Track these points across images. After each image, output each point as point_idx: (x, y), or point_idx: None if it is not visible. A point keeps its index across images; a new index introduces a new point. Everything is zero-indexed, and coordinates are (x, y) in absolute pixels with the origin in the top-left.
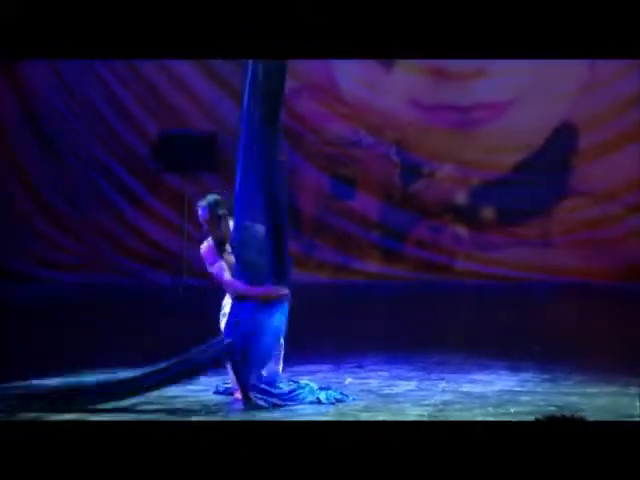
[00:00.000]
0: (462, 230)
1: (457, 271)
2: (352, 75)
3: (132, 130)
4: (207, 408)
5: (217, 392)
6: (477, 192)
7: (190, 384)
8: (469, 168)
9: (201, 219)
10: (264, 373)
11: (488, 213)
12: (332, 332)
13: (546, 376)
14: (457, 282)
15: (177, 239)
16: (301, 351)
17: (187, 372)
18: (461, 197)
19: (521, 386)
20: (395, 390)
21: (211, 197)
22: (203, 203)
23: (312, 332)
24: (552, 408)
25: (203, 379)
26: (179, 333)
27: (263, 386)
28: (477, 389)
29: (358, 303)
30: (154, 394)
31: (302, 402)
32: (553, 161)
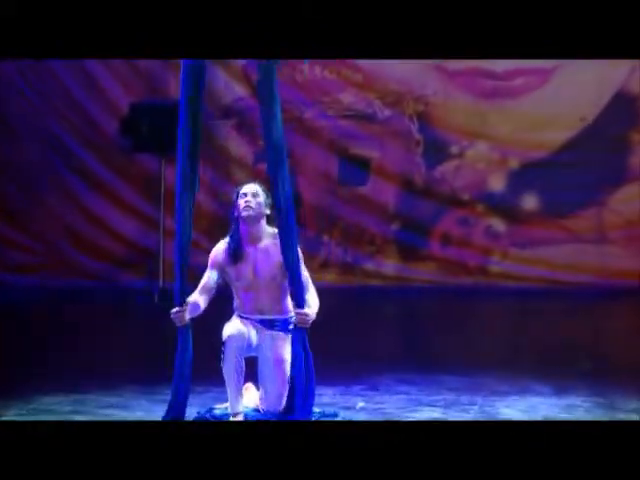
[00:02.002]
0: (498, 223)
1: (492, 273)
2: None
3: (98, 102)
4: None
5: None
6: (517, 176)
7: None
8: (507, 147)
9: (247, 205)
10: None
11: (530, 202)
12: (340, 346)
13: (600, 399)
14: (492, 286)
15: (152, 234)
16: None
17: None
18: (497, 183)
19: (569, 412)
20: (417, 417)
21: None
22: (259, 188)
23: (316, 346)
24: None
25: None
26: (150, 347)
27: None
28: (516, 416)
29: (371, 311)
30: None
31: None
32: (609, 139)
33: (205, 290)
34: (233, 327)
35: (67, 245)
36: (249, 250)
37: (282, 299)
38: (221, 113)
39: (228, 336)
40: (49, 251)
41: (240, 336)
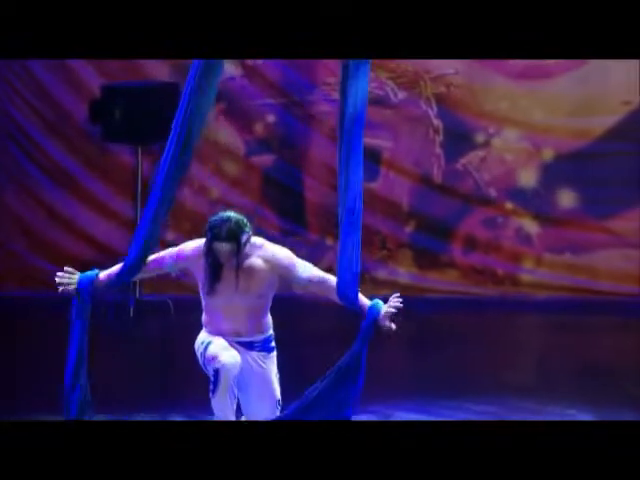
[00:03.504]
0: (530, 224)
1: (523, 282)
2: None
3: (65, 83)
4: None
5: None
6: (552, 170)
7: None
8: (540, 135)
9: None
10: None
11: (567, 200)
12: None
13: None
14: (523, 297)
15: (128, 237)
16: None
17: None
18: (529, 177)
19: None
20: None
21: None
22: (233, 242)
23: (319, 367)
24: None
25: None
26: (127, 367)
27: None
28: None
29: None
30: None
31: None
32: None
33: (149, 265)
34: (224, 352)
35: (27, 250)
36: (229, 272)
37: (262, 317)
38: None
39: (223, 364)
40: (7, 257)
41: (236, 363)
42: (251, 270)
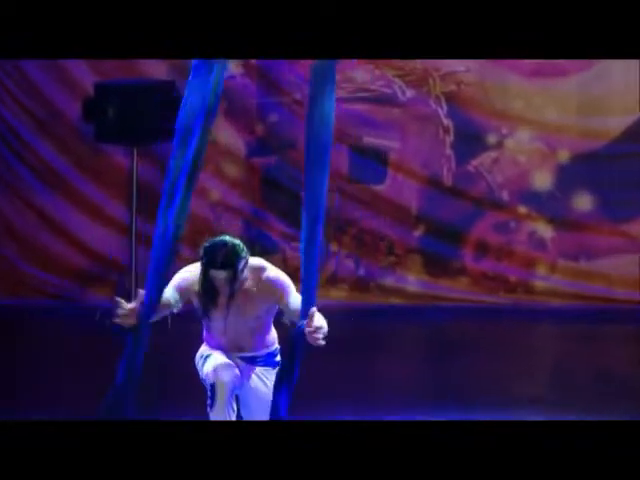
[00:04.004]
0: (544, 228)
1: (537, 289)
2: None
3: (57, 81)
4: None
5: None
6: (567, 171)
7: None
8: (555, 136)
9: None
10: None
11: (583, 203)
12: (351, 378)
13: None
14: (536, 305)
15: (123, 243)
16: (304, 406)
17: None
18: (543, 179)
19: None
20: None
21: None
22: (230, 269)
23: (323, 378)
24: None
25: None
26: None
27: None
28: None
29: (390, 336)
30: None
31: None
32: None
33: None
34: (221, 367)
35: (17, 256)
36: (224, 297)
37: (264, 334)
38: None
39: (220, 378)
40: None
41: (233, 378)
42: (247, 294)
